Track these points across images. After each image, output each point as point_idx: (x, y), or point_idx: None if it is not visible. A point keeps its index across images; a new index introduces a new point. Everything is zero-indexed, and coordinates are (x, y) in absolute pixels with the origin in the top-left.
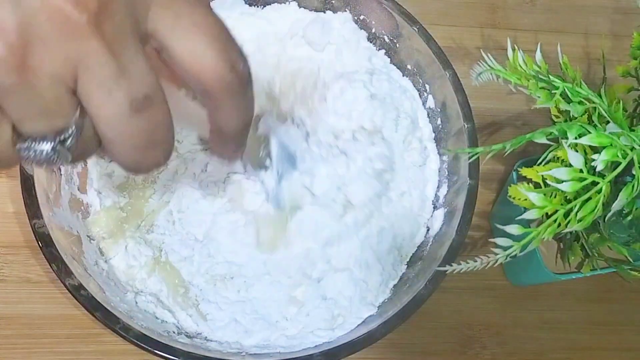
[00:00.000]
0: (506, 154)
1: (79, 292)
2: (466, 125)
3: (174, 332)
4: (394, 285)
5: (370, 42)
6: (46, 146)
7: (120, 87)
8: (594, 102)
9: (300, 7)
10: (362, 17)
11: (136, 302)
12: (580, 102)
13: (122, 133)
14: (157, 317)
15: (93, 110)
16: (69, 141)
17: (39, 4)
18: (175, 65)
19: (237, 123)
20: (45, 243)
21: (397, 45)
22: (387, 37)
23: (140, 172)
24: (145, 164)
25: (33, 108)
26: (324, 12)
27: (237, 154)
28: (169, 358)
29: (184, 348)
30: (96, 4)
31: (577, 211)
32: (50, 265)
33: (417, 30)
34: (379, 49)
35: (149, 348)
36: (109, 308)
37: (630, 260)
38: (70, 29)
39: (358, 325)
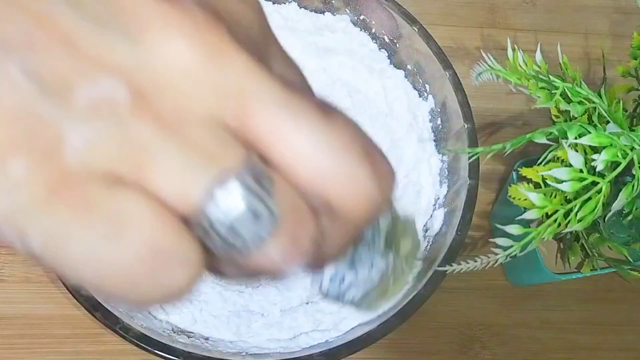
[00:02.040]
0: (506, 154)
1: (79, 292)
2: (466, 125)
3: (171, 331)
4: None
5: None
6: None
7: (296, 97)
8: (594, 102)
9: (300, 8)
10: (362, 17)
11: None
12: (580, 102)
13: (333, 143)
14: (155, 317)
15: (283, 147)
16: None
17: None
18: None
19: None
20: None
21: (397, 45)
22: (387, 37)
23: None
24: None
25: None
26: (324, 14)
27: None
28: (169, 358)
29: (184, 348)
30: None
31: (577, 211)
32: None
33: (417, 30)
34: (380, 49)
35: (149, 348)
36: (108, 308)
37: (630, 260)
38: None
39: (357, 325)
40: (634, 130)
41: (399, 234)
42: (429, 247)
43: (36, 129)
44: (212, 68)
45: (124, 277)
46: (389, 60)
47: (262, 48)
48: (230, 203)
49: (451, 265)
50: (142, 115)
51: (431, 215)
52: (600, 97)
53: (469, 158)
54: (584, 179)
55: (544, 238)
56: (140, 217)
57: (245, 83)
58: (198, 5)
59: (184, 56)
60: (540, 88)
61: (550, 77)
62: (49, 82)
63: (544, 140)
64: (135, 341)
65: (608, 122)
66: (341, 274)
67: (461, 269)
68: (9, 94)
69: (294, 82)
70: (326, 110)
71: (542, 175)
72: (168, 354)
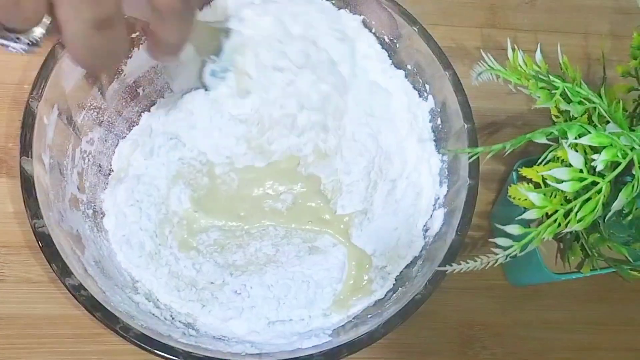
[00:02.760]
0: (506, 154)
1: (79, 292)
2: (466, 125)
3: (168, 319)
4: (393, 285)
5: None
6: (18, 46)
7: (88, 7)
8: (594, 102)
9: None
10: (362, 17)
11: (138, 304)
12: (580, 102)
13: (83, 46)
14: (153, 314)
15: (61, 21)
16: (38, 41)
17: None
18: None
19: (175, 40)
20: (45, 243)
21: (397, 45)
22: (387, 37)
23: (94, 73)
24: (98, 68)
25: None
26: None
27: (180, 40)
28: (169, 358)
29: (184, 348)
30: None
31: (577, 211)
32: (50, 265)
33: (417, 30)
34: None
35: (149, 348)
36: (108, 308)
37: (630, 260)
38: None
39: (358, 324)
40: (633, 130)
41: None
42: (428, 247)
43: None
44: None
45: None
46: (390, 60)
47: None
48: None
49: (451, 265)
50: None
51: (431, 216)
52: (600, 97)
53: (469, 158)
54: (584, 179)
55: (543, 238)
56: None
57: None
58: None
59: None
60: (540, 88)
61: (550, 77)
62: None
63: (544, 140)
64: (135, 341)
65: (608, 122)
66: (217, 69)
67: (461, 269)
68: None
69: None
70: None
71: (542, 175)
72: (168, 354)
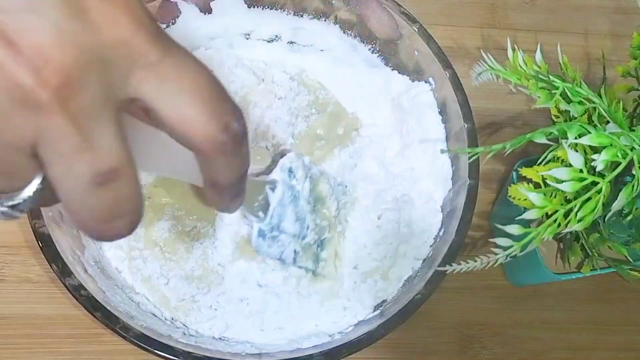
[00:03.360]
0: (506, 154)
1: (79, 292)
2: (466, 125)
3: (168, 319)
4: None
5: (370, 43)
6: None
7: (82, 160)
8: (594, 102)
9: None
10: (362, 17)
11: (138, 304)
12: (580, 102)
13: (82, 205)
14: (154, 314)
15: (54, 180)
16: (22, 206)
17: None
18: (164, 128)
19: (232, 176)
20: (45, 243)
21: (397, 45)
22: (387, 37)
23: (102, 241)
24: (108, 235)
25: None
26: (326, 20)
27: (234, 204)
28: (168, 358)
29: (184, 348)
30: (60, 78)
31: (577, 211)
32: (50, 265)
33: (416, 30)
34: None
35: (149, 348)
36: (108, 308)
37: (630, 260)
38: (30, 104)
39: (357, 324)
40: (633, 130)
41: (323, 193)
42: (429, 247)
43: None
44: (23, 108)
45: None
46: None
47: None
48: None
49: (451, 266)
50: None
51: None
52: (600, 97)
53: (469, 158)
54: (584, 179)
55: (543, 238)
56: None
57: (44, 134)
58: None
59: None
60: (540, 88)
61: (550, 77)
62: None
63: (544, 140)
64: (135, 341)
65: (608, 122)
66: (265, 229)
67: (461, 269)
68: None
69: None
70: (102, 182)
71: (542, 175)
72: (168, 354)
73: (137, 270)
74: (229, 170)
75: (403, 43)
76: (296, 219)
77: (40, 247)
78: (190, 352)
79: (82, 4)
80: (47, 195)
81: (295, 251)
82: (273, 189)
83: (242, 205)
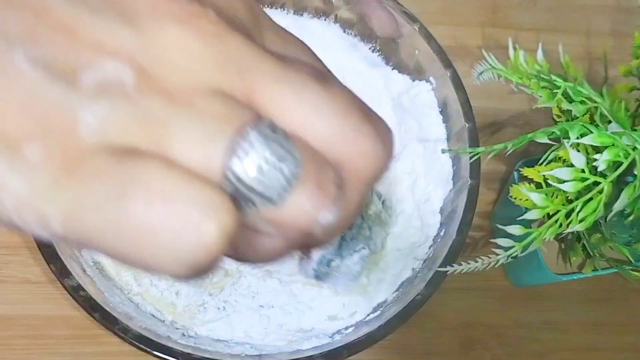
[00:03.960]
0: (507, 153)
1: (77, 293)
2: (467, 125)
3: (167, 321)
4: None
5: (370, 42)
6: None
7: (291, 69)
8: (595, 102)
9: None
10: (362, 17)
11: (137, 305)
12: (582, 102)
13: (334, 108)
14: (153, 315)
15: (288, 114)
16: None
17: None
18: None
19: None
20: (43, 243)
21: (398, 44)
22: (388, 36)
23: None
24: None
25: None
26: (325, 19)
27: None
28: (167, 359)
29: (183, 349)
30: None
31: (579, 211)
32: (49, 265)
33: (417, 29)
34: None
35: (148, 349)
36: (107, 309)
37: (632, 260)
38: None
39: (358, 325)
40: (635, 130)
41: (376, 223)
42: (429, 247)
43: (47, 113)
44: (210, 49)
45: (146, 235)
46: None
47: (252, 28)
48: (252, 153)
49: (452, 266)
50: (149, 91)
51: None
52: (602, 96)
53: (470, 158)
54: (586, 179)
55: (545, 238)
56: (149, 173)
57: (244, 62)
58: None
59: (181, 40)
60: (541, 87)
61: (552, 76)
62: (55, 69)
63: (545, 140)
64: (134, 342)
65: (610, 121)
66: (328, 258)
67: (462, 270)
68: (17, 83)
69: (289, 56)
70: (322, 79)
71: (544, 175)
72: (167, 355)
73: (146, 290)
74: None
75: (403, 42)
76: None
77: (38, 248)
78: (189, 354)
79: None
80: None
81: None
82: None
83: None
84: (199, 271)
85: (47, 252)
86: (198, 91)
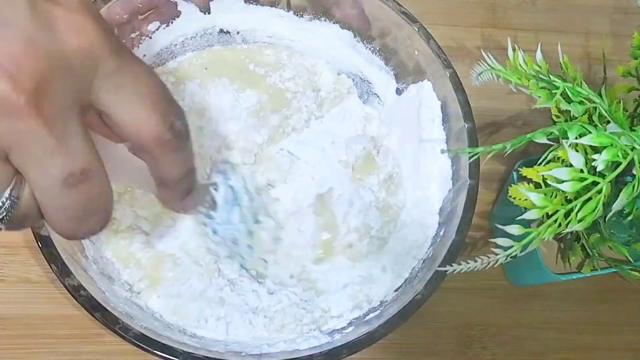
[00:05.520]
0: (507, 153)
1: (78, 292)
2: (466, 125)
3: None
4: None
5: (369, 42)
6: None
7: (55, 162)
8: (594, 102)
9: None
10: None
11: (138, 305)
12: (580, 102)
13: (56, 205)
14: (155, 317)
15: (29, 180)
16: (1, 213)
17: None
18: (117, 129)
19: (179, 172)
20: (44, 243)
21: (398, 45)
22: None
23: (74, 239)
24: (80, 232)
25: None
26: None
27: (188, 203)
28: (168, 358)
29: (183, 348)
30: (33, 84)
31: (578, 211)
32: (49, 265)
33: (417, 29)
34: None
35: (149, 348)
36: (108, 308)
37: (631, 260)
38: (6, 109)
39: (358, 325)
40: (634, 130)
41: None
42: (429, 247)
43: None
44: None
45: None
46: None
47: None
48: None
49: (451, 266)
50: None
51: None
52: (601, 97)
53: (469, 158)
54: (585, 179)
55: (544, 238)
56: None
57: (19, 138)
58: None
59: None
60: (540, 88)
61: (551, 76)
62: None
63: (544, 140)
64: (135, 341)
65: (608, 122)
66: (218, 228)
67: (461, 269)
68: None
69: None
70: (76, 182)
71: (543, 175)
72: (167, 354)
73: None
74: (176, 166)
75: (403, 43)
76: (241, 219)
77: (39, 248)
78: (190, 353)
79: (49, 14)
80: (20, 208)
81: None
82: (216, 189)
83: (194, 208)
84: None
85: (48, 252)
86: None
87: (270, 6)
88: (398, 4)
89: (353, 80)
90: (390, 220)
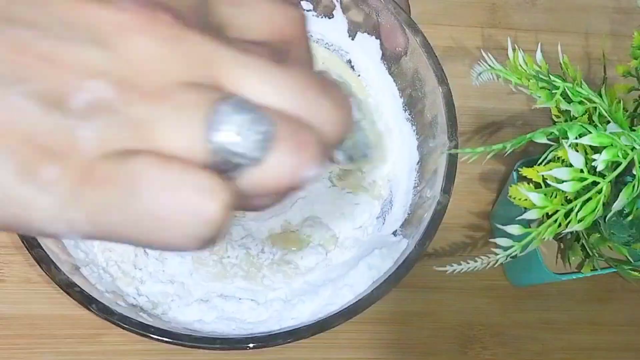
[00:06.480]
0: (506, 153)
1: (71, 289)
2: (449, 143)
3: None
4: None
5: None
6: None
7: (252, 54)
8: (594, 102)
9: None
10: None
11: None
12: (580, 102)
13: (300, 85)
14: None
15: (256, 94)
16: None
17: None
18: (259, 40)
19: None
20: (30, 245)
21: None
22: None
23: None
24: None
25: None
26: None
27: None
28: (171, 342)
29: (184, 332)
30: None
31: (578, 211)
32: (39, 265)
33: (418, 41)
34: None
35: (151, 335)
36: (103, 301)
37: (631, 260)
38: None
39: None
40: (634, 130)
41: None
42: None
43: (51, 138)
44: (172, 50)
45: (160, 222)
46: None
47: (204, 14)
48: (227, 122)
49: (452, 266)
50: (129, 99)
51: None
52: (601, 97)
53: (448, 167)
54: (585, 179)
55: (544, 238)
56: (147, 169)
57: (205, 54)
58: (141, 5)
59: (146, 47)
60: (540, 88)
61: (551, 76)
62: (47, 99)
63: (544, 140)
64: (135, 329)
65: (609, 122)
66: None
67: (462, 269)
68: (20, 117)
69: (247, 40)
70: (279, 60)
71: (543, 175)
72: (170, 339)
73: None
74: (311, 53)
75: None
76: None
77: (27, 249)
78: (189, 335)
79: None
80: None
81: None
82: None
83: None
84: (209, 242)
85: (35, 252)
86: (170, 88)
87: None
88: (403, 11)
89: None
90: None
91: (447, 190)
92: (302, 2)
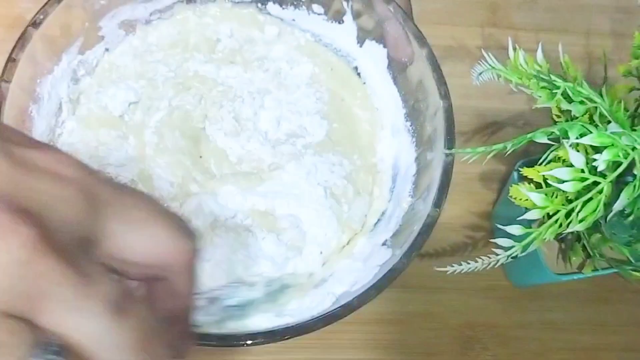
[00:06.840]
0: (507, 153)
1: None
2: (445, 156)
3: None
4: None
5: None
6: None
7: (90, 297)
8: (595, 102)
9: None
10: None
11: None
12: (581, 102)
13: (119, 344)
14: None
15: (72, 337)
16: None
17: None
18: (132, 257)
19: (189, 296)
20: None
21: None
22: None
23: None
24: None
25: None
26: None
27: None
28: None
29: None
30: (38, 224)
31: (579, 211)
32: None
33: (425, 53)
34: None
35: None
36: None
37: (632, 260)
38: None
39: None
40: (635, 130)
41: None
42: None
43: None
44: (10, 277)
45: None
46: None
47: (88, 223)
48: None
49: (452, 266)
50: None
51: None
52: (602, 96)
53: (444, 172)
54: (585, 179)
55: (545, 238)
56: None
57: (42, 287)
58: (5, 211)
59: None
60: (541, 87)
61: (552, 76)
62: None
63: (545, 140)
64: None
65: (609, 121)
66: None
67: (462, 270)
68: None
69: (124, 260)
70: (123, 307)
71: (544, 175)
72: None
73: None
74: (190, 287)
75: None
76: None
77: None
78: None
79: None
80: None
81: None
82: None
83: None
84: None
85: None
86: None
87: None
88: (411, 22)
89: None
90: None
91: (438, 204)
92: (313, 6)
